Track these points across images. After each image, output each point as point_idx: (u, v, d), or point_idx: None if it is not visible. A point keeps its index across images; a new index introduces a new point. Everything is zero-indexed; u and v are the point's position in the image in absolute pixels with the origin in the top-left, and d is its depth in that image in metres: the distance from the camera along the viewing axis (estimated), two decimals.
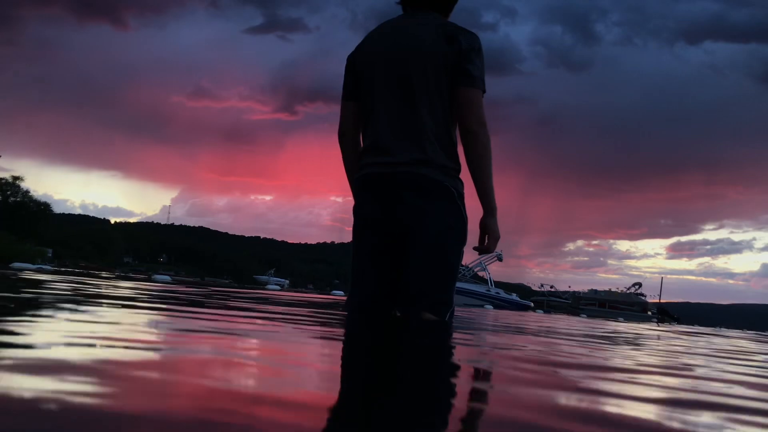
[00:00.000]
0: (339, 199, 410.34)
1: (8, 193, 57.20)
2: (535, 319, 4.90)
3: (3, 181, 57.16)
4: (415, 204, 2.31)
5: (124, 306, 2.01)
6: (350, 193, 2.56)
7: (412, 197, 2.31)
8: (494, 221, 2.39)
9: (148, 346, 1.06)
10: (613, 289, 76.44)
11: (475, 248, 2.48)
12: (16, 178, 58.06)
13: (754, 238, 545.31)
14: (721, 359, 2.03)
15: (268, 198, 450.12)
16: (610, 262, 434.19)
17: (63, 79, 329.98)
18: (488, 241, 2.43)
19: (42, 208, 59.90)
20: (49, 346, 0.92)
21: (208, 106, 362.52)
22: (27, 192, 58.58)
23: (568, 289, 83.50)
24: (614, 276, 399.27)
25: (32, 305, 1.70)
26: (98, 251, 74.29)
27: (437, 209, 2.31)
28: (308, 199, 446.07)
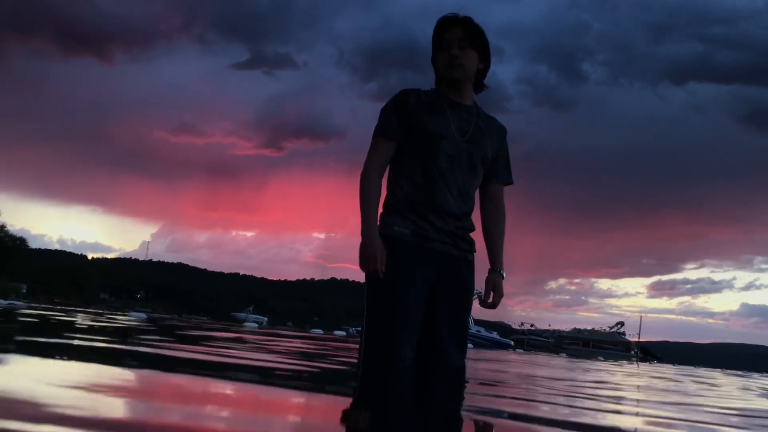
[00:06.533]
0: (321, 236, 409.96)
1: None
2: (515, 366, 4.82)
3: None
4: None
5: None
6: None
7: None
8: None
9: None
10: (596, 329, 76.49)
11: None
12: None
13: (734, 278, 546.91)
14: None
15: (249, 234, 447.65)
16: (591, 300, 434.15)
17: (46, 112, 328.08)
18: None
19: (18, 243, 58.80)
20: None
21: (191, 141, 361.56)
22: (3, 227, 57.57)
23: (548, 328, 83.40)
24: (595, 315, 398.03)
25: None
26: (74, 287, 72.84)
27: None
28: (290, 235, 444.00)
